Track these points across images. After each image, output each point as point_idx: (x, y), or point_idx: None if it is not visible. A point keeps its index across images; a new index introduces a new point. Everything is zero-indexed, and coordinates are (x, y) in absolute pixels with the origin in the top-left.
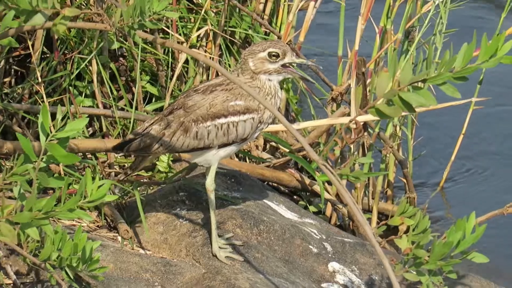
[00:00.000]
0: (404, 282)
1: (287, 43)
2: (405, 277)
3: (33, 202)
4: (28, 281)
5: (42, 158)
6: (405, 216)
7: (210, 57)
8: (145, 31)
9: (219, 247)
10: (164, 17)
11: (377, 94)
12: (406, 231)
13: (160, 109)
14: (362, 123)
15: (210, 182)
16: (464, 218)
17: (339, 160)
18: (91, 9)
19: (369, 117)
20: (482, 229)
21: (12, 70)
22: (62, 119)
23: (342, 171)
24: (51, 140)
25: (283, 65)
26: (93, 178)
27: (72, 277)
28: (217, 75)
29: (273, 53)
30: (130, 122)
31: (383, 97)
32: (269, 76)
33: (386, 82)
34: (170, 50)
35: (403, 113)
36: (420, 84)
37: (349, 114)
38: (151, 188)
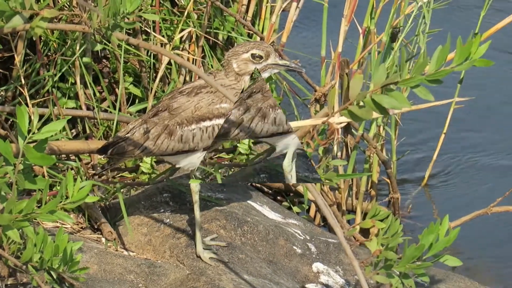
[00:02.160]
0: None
1: (270, 44)
2: (375, 279)
3: (13, 204)
4: (10, 283)
5: (21, 161)
6: (376, 219)
7: (193, 59)
8: (128, 33)
9: (203, 249)
10: (145, 19)
11: (350, 96)
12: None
13: (144, 110)
14: (342, 124)
15: (194, 183)
16: (437, 221)
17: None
18: (73, 11)
19: (345, 119)
20: (455, 232)
21: None
22: (45, 121)
23: None
24: (29, 142)
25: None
26: (75, 180)
27: (55, 279)
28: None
29: (257, 55)
30: (113, 124)
31: (355, 99)
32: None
33: (359, 84)
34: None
35: (375, 115)
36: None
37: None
38: (134, 189)
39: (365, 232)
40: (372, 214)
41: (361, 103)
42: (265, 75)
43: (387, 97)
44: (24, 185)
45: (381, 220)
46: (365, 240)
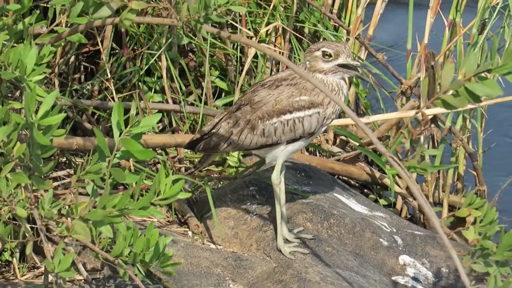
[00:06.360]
0: (473, 274)
1: (356, 37)
2: (473, 268)
3: (106, 199)
4: (99, 277)
5: (115, 154)
6: (472, 208)
7: (280, 52)
8: (214, 26)
9: (284, 242)
10: (233, 12)
11: (442, 85)
12: (474, 223)
13: (230, 103)
14: (430, 116)
15: (276, 176)
16: None
17: (409, 153)
18: (159, 3)
19: (437, 110)
20: None
21: (82, 66)
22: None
23: (409, 163)
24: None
25: (340, 66)
26: (166, 175)
27: (143, 273)
28: (286, 68)
29: (326, 53)
30: (199, 117)
31: (449, 88)
32: (324, 75)
33: (451, 73)
34: (239, 44)
35: (470, 105)
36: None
37: (418, 107)
38: (221, 182)
39: (452, 224)
40: (468, 203)
41: (453, 92)
42: (337, 77)
43: (481, 85)
44: (123, 178)
45: (476, 209)
46: (461, 229)
